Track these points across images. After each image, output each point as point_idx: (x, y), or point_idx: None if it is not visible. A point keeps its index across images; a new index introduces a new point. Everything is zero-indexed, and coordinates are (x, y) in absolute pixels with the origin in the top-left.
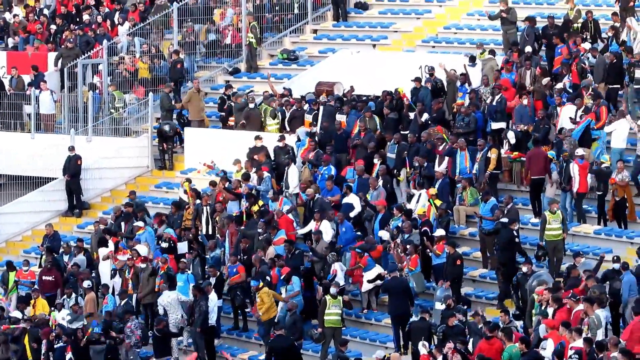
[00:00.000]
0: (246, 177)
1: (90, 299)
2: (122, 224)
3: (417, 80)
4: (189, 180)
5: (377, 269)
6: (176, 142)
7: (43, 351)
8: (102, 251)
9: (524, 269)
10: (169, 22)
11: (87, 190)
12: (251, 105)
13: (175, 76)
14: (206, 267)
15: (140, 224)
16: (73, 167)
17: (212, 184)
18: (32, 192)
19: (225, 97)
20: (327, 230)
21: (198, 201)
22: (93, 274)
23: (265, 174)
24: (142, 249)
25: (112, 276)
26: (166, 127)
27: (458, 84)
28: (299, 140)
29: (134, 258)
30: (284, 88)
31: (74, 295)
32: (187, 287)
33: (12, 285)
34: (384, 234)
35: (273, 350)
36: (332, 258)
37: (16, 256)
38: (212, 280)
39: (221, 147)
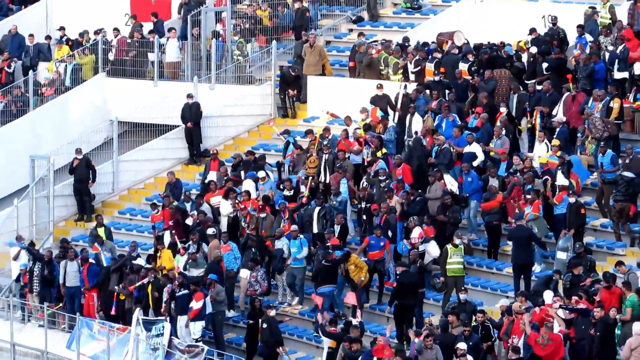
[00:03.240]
0: (367, 127)
1: (213, 246)
2: (242, 172)
3: (534, 31)
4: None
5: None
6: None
7: (165, 299)
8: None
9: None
10: None
11: (210, 138)
12: (371, 52)
13: (298, 24)
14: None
15: (262, 173)
16: (194, 115)
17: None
18: (155, 140)
19: (355, 46)
20: (451, 182)
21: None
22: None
23: (390, 123)
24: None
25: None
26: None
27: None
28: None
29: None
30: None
31: (199, 243)
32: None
33: None
34: None
35: (401, 285)
36: (414, 221)
37: (138, 203)
38: (337, 229)
39: (342, 96)
